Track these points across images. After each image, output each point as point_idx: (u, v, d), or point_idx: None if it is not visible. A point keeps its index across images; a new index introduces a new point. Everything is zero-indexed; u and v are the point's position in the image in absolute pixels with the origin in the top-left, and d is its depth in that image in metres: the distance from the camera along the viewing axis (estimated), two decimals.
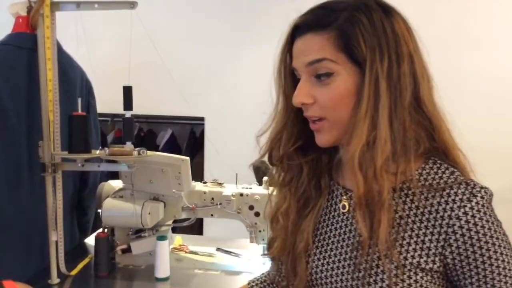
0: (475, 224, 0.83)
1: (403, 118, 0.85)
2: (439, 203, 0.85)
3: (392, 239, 0.85)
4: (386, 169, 0.84)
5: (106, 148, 1.38)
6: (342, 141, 0.91)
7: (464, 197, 0.84)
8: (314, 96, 0.89)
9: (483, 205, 0.83)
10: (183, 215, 1.66)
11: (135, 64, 3.04)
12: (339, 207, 0.97)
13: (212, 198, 1.65)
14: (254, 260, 1.72)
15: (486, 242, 0.83)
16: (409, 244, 0.86)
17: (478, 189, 0.84)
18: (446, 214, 0.84)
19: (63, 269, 1.52)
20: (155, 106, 3.39)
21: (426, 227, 0.86)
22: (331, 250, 0.96)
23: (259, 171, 2.68)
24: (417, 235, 0.86)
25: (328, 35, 0.87)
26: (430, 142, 0.89)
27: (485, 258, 0.83)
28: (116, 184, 1.69)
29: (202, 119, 3.23)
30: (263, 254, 1.20)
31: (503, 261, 0.84)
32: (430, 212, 0.86)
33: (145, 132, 3.58)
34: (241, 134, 3.47)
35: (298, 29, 0.91)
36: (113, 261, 1.65)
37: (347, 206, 0.96)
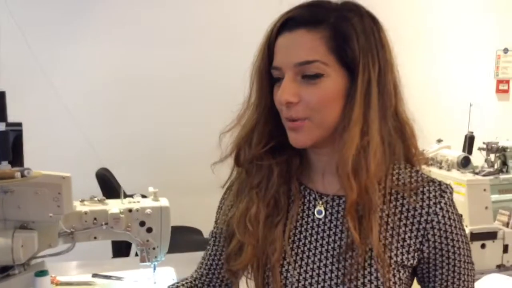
0: (449, 218, 0.89)
1: (389, 124, 0.86)
2: (415, 201, 0.88)
3: (382, 241, 0.86)
4: (376, 173, 0.84)
5: None
6: (319, 144, 0.88)
7: (437, 194, 0.89)
8: (300, 95, 0.84)
9: (452, 200, 0.90)
10: (60, 243, 1.41)
11: None
12: (313, 213, 0.93)
13: (95, 218, 1.43)
14: (142, 281, 1.56)
15: (457, 234, 0.89)
16: (391, 243, 0.87)
17: (445, 185, 0.91)
18: (424, 211, 0.88)
19: None
20: None
21: (405, 225, 0.88)
22: (309, 258, 0.91)
23: (105, 179, 2.44)
24: (398, 234, 0.88)
25: (321, 34, 0.83)
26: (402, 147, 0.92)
27: (455, 248, 0.89)
28: None
29: (18, 124, 2.79)
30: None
31: (466, 249, 0.91)
32: (408, 210, 0.89)
33: None
34: (67, 139, 3.17)
35: (287, 23, 0.85)
36: None
37: (323, 211, 0.92)
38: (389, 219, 0.88)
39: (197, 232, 2.88)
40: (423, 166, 0.97)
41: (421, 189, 0.89)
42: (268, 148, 0.92)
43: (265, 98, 0.90)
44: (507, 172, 2.77)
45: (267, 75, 0.89)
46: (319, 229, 0.92)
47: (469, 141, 2.90)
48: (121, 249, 2.29)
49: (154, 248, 1.49)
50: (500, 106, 4.09)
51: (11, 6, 2.91)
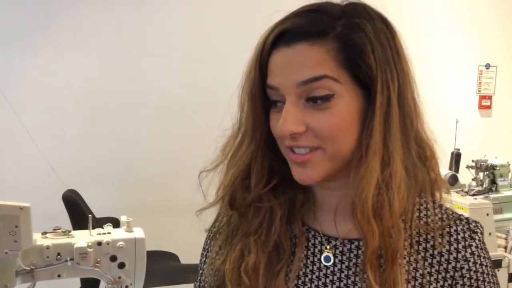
0: (481, 264, 0.76)
1: (413, 150, 0.72)
2: (441, 244, 0.75)
3: None
4: (401, 212, 0.70)
5: None
6: (329, 178, 0.74)
7: (466, 235, 0.76)
8: (307, 123, 0.70)
9: (483, 242, 0.78)
10: (18, 282, 1.22)
11: None
12: (319, 260, 0.78)
13: (59, 254, 1.25)
14: None
15: (489, 282, 0.77)
16: None
17: (474, 223, 0.79)
18: (452, 257, 0.75)
19: None
20: None
21: (430, 274, 0.75)
22: None
23: (73, 202, 2.25)
24: (422, 284, 0.74)
25: (327, 46, 0.68)
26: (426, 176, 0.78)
27: None
28: None
29: None
30: None
31: None
32: (433, 256, 0.75)
33: None
34: (27, 161, 2.96)
35: (284, 36, 0.70)
36: None
37: (331, 258, 0.78)
38: (411, 267, 0.74)
39: (173, 257, 2.70)
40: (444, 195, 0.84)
41: (447, 229, 0.76)
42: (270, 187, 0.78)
43: (260, 127, 0.76)
44: (496, 191, 2.69)
45: (260, 98, 0.75)
46: (327, 280, 0.77)
47: (456, 158, 2.82)
48: (90, 284, 2.09)
49: (127, 286, 1.31)
50: (482, 122, 4.05)
51: None
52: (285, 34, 0.71)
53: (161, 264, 2.41)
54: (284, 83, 0.70)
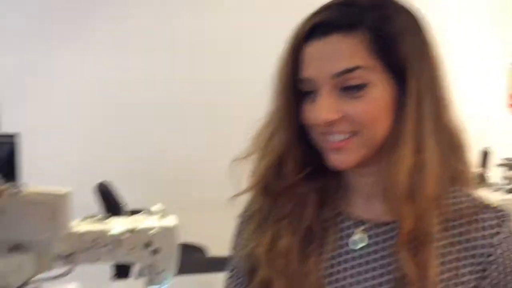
0: (510, 251, 0.77)
1: (445, 136, 0.75)
2: (469, 231, 0.77)
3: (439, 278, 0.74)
4: (434, 197, 0.73)
5: None
6: (362, 164, 0.77)
7: (494, 223, 0.78)
8: (342, 111, 0.72)
9: (511, 231, 0.79)
10: (57, 266, 1.28)
11: None
12: (351, 242, 0.81)
13: (95, 239, 1.30)
14: None
15: None
16: (449, 278, 0.75)
17: (502, 212, 0.80)
18: (480, 243, 0.76)
19: None
20: None
21: (458, 259, 0.76)
22: None
23: (106, 194, 2.32)
24: (456, 268, 0.76)
25: (359, 37, 0.71)
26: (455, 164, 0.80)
27: None
28: None
29: (11, 136, 2.66)
30: None
31: None
32: (462, 242, 0.77)
33: None
34: (67, 150, 3.05)
35: (316, 29, 0.73)
36: None
37: (363, 241, 0.80)
38: (441, 252, 0.76)
39: (199, 249, 2.74)
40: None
41: (475, 216, 0.77)
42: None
43: (293, 117, 0.78)
44: None
45: (292, 89, 0.78)
46: (358, 263, 0.79)
47: (485, 156, 2.80)
48: (121, 269, 2.15)
49: (160, 272, 1.35)
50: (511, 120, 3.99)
51: None
52: (317, 28, 0.73)
53: (189, 256, 2.46)
54: (318, 75, 0.72)
